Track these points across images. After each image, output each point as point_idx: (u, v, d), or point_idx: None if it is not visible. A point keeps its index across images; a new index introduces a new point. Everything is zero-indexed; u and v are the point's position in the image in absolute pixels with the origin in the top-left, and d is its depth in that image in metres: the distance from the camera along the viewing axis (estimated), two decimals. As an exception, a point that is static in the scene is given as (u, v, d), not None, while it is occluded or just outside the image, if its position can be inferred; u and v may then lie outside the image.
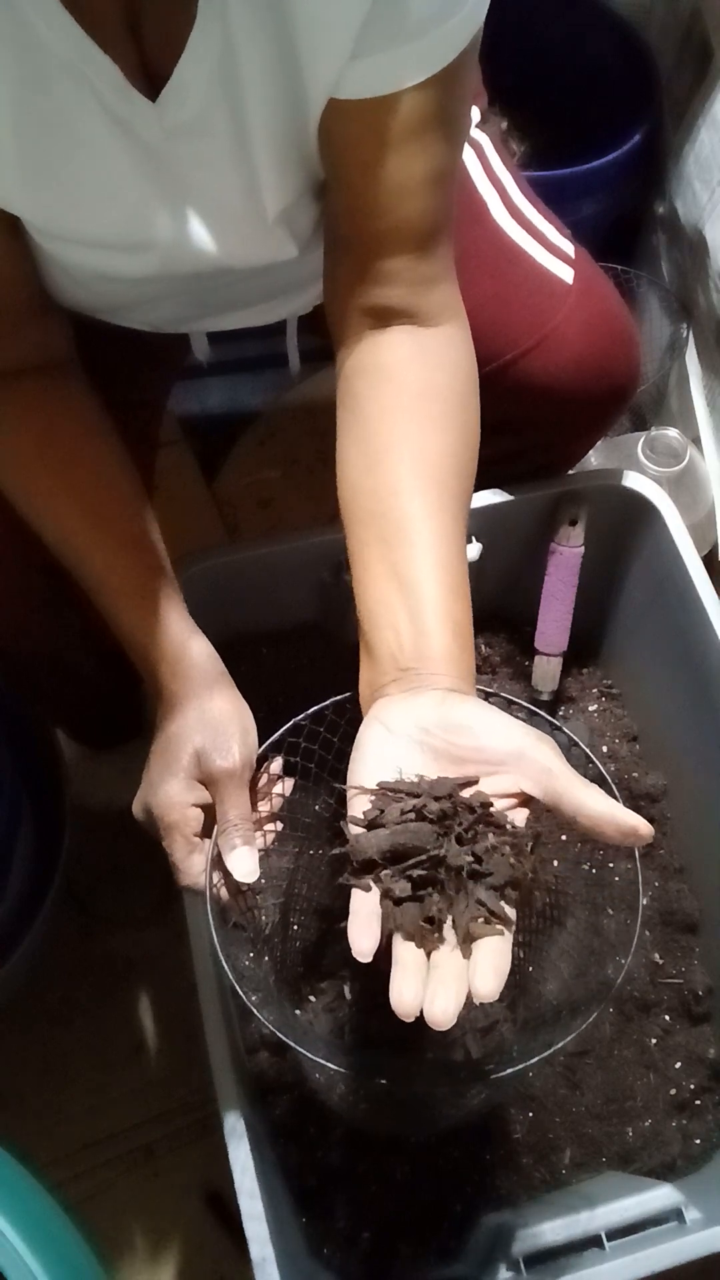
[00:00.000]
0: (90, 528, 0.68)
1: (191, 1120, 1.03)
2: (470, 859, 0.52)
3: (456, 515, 0.62)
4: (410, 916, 0.51)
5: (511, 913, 0.52)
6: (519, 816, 0.54)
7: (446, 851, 0.52)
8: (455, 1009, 0.47)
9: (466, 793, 0.54)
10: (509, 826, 0.53)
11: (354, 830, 0.54)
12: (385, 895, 0.52)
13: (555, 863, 0.84)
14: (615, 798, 0.54)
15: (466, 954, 0.50)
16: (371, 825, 0.54)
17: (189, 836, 0.62)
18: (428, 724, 0.55)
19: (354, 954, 0.50)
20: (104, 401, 0.72)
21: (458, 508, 0.63)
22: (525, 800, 0.54)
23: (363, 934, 0.50)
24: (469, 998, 0.48)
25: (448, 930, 0.51)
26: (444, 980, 0.48)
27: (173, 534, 0.73)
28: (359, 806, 0.55)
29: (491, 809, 0.53)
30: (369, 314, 0.65)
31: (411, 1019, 0.47)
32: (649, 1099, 0.89)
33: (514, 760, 0.54)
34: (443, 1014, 0.47)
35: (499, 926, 0.51)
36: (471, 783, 0.54)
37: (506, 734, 0.54)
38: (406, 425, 0.63)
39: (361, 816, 0.54)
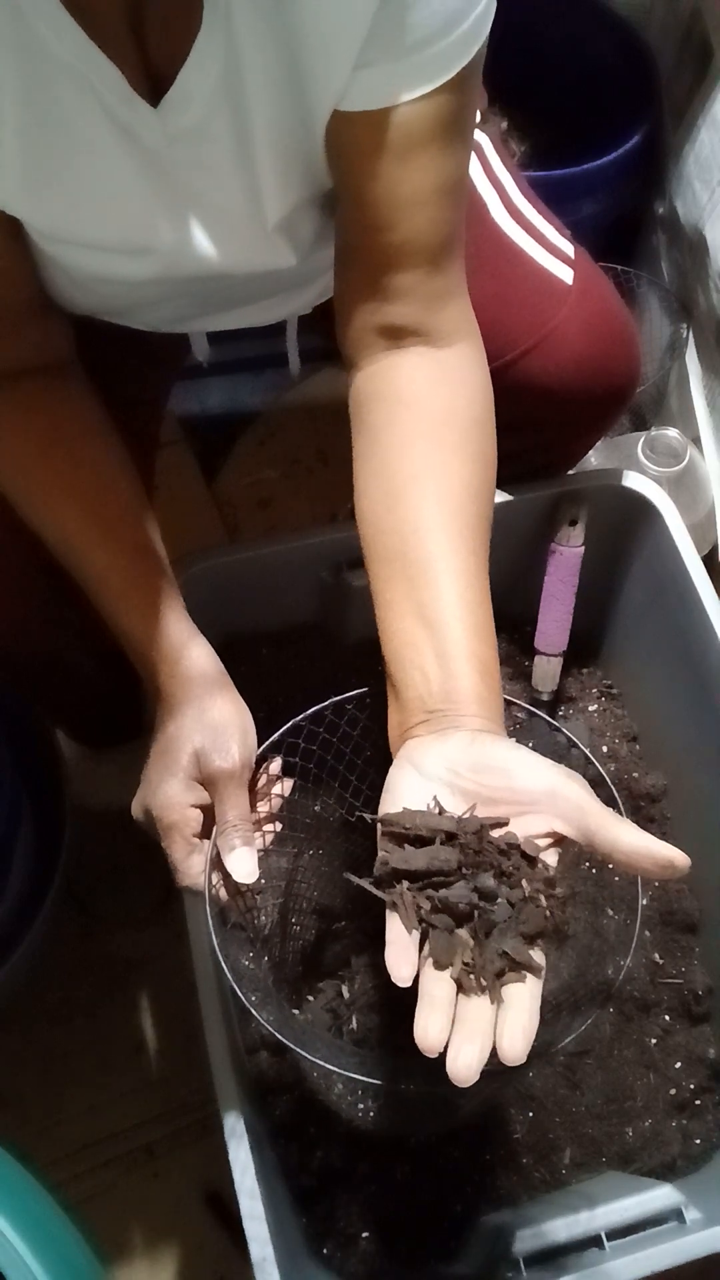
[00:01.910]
0: (90, 529, 0.68)
1: (191, 1120, 1.03)
2: (505, 891, 0.52)
3: (479, 549, 0.62)
4: (443, 947, 0.50)
5: (541, 959, 0.51)
6: (550, 857, 0.54)
7: (476, 883, 0.52)
8: (479, 1065, 0.46)
9: (496, 833, 0.53)
10: (541, 867, 0.53)
11: (385, 843, 0.54)
12: (412, 909, 0.52)
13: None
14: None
15: (494, 999, 0.49)
16: (403, 842, 0.54)
17: (188, 837, 0.62)
18: (458, 765, 0.55)
19: (394, 980, 0.49)
20: (104, 402, 0.72)
21: (479, 540, 0.63)
22: (558, 840, 0.54)
23: (401, 961, 0.50)
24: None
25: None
26: (470, 1036, 0.48)
27: (173, 534, 0.73)
28: (389, 842, 0.54)
29: (520, 849, 0.53)
30: (381, 333, 0.65)
31: (435, 1055, 0.47)
32: (649, 1099, 0.89)
33: (546, 800, 0.53)
34: (465, 1069, 0.46)
35: (529, 975, 0.50)
36: (501, 824, 0.54)
37: (537, 773, 0.54)
38: (426, 457, 0.63)
39: (392, 836, 0.54)
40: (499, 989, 0.49)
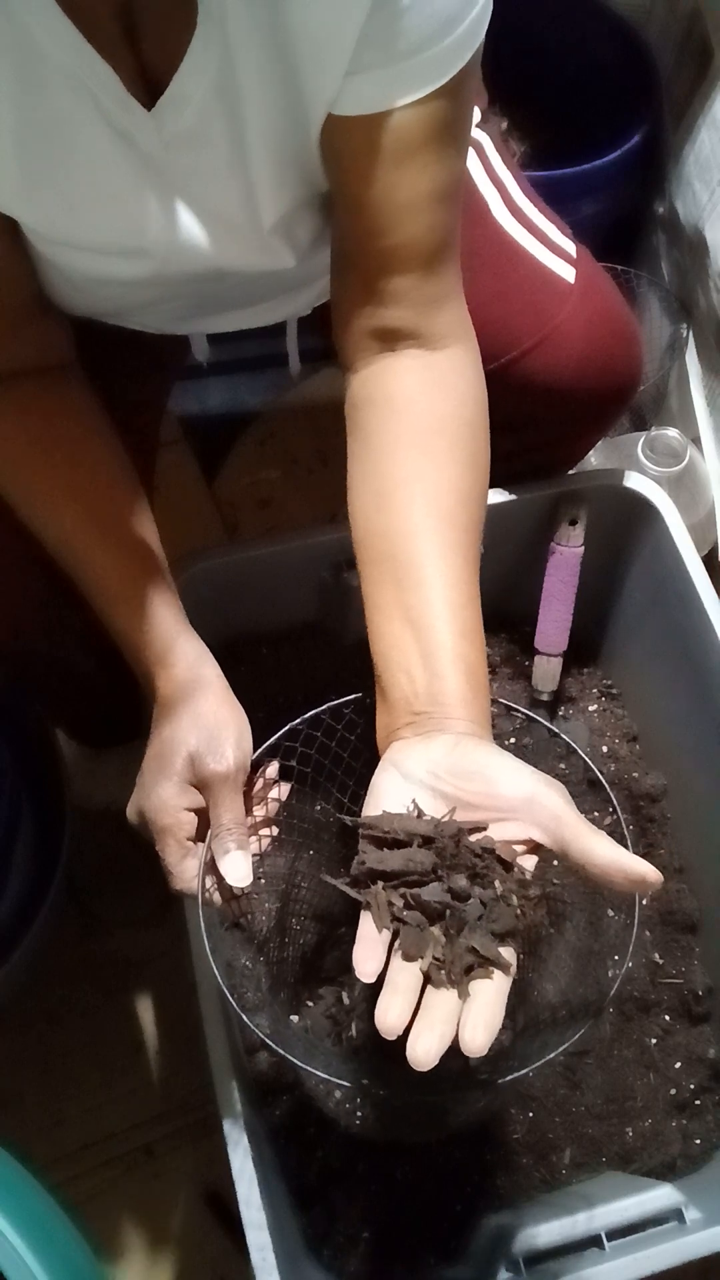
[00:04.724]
0: (88, 530, 0.68)
1: (191, 1120, 1.03)
2: (478, 891, 0.52)
3: (468, 553, 0.62)
4: (413, 941, 0.51)
5: (511, 956, 0.52)
6: (527, 863, 0.54)
7: (450, 884, 0.52)
8: (438, 1052, 0.47)
9: (474, 838, 0.54)
10: (516, 871, 0.54)
11: (363, 844, 0.55)
12: (384, 908, 0.52)
13: (555, 862, 0.84)
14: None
15: (462, 994, 0.50)
16: (381, 844, 0.54)
17: (182, 840, 0.62)
18: (440, 769, 0.55)
19: (358, 975, 0.50)
20: (104, 402, 0.72)
21: (469, 543, 0.63)
22: (534, 848, 0.54)
23: (366, 956, 0.51)
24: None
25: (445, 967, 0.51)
26: (432, 1023, 0.49)
27: (173, 534, 0.73)
28: (368, 844, 0.55)
29: (496, 854, 0.53)
30: (376, 336, 0.65)
31: (393, 1037, 0.48)
32: (649, 1099, 0.89)
33: (524, 807, 0.54)
34: (424, 1054, 0.47)
35: (497, 972, 0.51)
36: (479, 829, 0.54)
37: (517, 781, 0.54)
38: (417, 462, 0.63)
39: (371, 839, 0.55)
40: (466, 984, 0.50)
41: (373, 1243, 0.83)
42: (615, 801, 0.62)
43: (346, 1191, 0.84)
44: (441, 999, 0.50)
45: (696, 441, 1.20)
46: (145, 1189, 1.01)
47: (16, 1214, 0.59)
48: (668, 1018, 0.93)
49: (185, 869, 0.62)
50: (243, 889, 0.61)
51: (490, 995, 0.50)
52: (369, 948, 0.51)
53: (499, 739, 0.58)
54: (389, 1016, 0.48)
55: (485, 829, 0.54)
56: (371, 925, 0.52)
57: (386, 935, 0.52)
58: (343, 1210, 0.84)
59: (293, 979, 0.87)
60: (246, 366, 1.21)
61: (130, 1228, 1.00)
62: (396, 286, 0.63)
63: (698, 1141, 0.88)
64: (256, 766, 0.65)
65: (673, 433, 1.14)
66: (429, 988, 0.50)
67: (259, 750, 0.65)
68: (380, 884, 0.53)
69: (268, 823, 0.66)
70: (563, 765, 0.93)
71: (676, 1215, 0.81)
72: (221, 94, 0.56)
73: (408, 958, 0.51)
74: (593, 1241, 0.79)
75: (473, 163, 0.86)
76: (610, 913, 0.92)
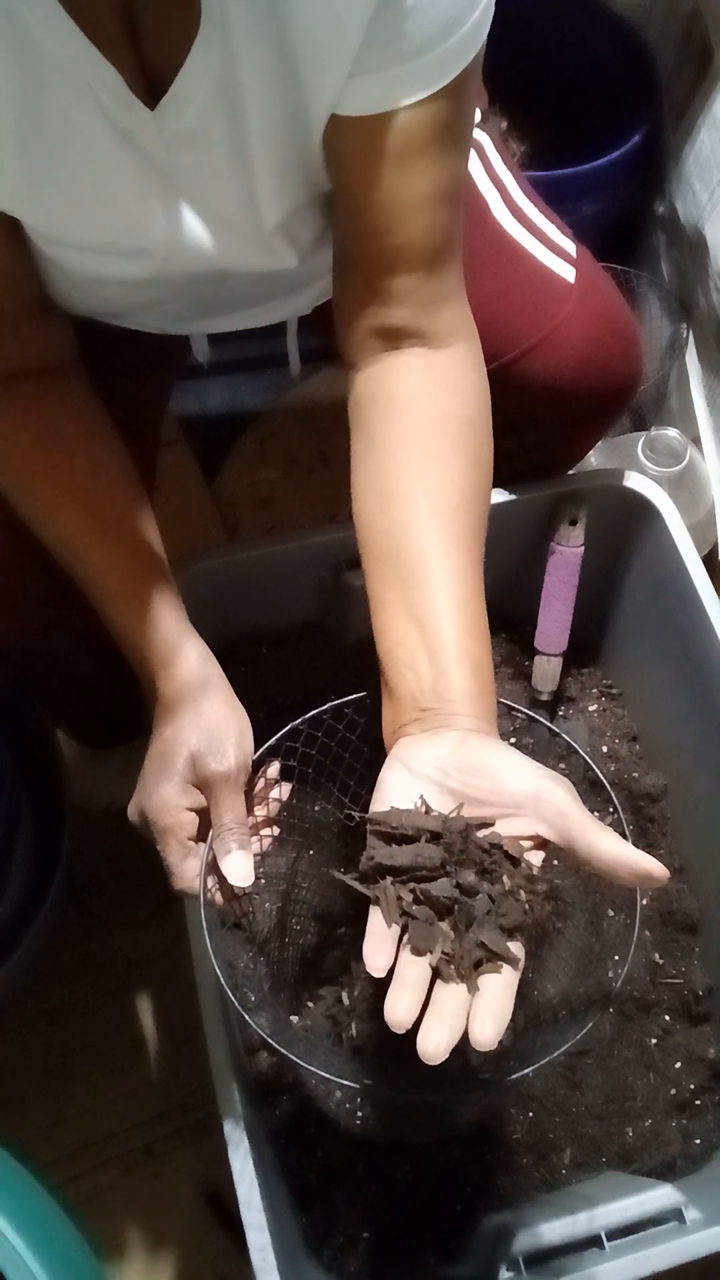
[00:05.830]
0: (89, 530, 0.68)
1: (191, 1120, 1.03)
2: (486, 886, 0.53)
3: (472, 549, 0.63)
4: (422, 935, 0.51)
5: (520, 951, 0.52)
6: (534, 859, 0.55)
7: (458, 879, 0.53)
8: (448, 1045, 0.48)
9: (481, 834, 0.54)
10: (524, 866, 0.54)
11: (372, 840, 0.55)
12: (394, 903, 0.52)
13: (555, 861, 0.84)
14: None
15: (471, 989, 0.50)
16: (390, 840, 0.54)
17: (183, 841, 0.62)
18: (447, 765, 0.55)
19: (369, 970, 0.50)
20: (105, 403, 0.72)
21: (473, 540, 0.63)
22: (541, 843, 0.55)
23: (377, 951, 0.51)
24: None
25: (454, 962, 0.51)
26: (441, 1017, 0.49)
27: (173, 534, 0.73)
28: (376, 839, 0.55)
29: (504, 849, 0.54)
30: (378, 335, 0.65)
31: (402, 1031, 0.48)
32: (649, 1099, 0.89)
33: (530, 803, 0.54)
34: (434, 1048, 0.47)
35: (505, 965, 0.51)
36: (487, 824, 0.54)
37: (523, 777, 0.54)
38: (420, 460, 0.63)
39: (379, 834, 0.55)
40: (475, 979, 0.50)
41: (373, 1243, 0.83)
42: (616, 801, 0.62)
43: (346, 1191, 0.84)
44: (451, 993, 0.50)
45: (696, 441, 1.20)
46: (145, 1189, 1.01)
47: (16, 1214, 0.59)
48: (668, 1018, 0.93)
49: (187, 869, 0.62)
50: (244, 889, 0.61)
51: (499, 989, 0.50)
52: (379, 943, 0.51)
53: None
54: (398, 1011, 0.48)
55: (492, 825, 0.55)
56: (380, 920, 0.52)
57: (395, 930, 0.52)
58: (343, 1210, 0.84)
59: (293, 979, 0.87)
60: (247, 366, 1.21)
61: (130, 1228, 1.00)
62: (398, 286, 0.63)
63: (698, 1141, 0.89)
64: (258, 766, 0.65)
65: (673, 433, 1.14)
66: (438, 982, 0.50)
67: (260, 750, 0.65)
68: (389, 879, 0.53)
69: (269, 823, 0.66)
70: (563, 765, 0.93)
71: (676, 1215, 0.81)
72: (223, 94, 0.56)
73: (417, 952, 0.51)
74: (593, 1241, 0.79)
75: (473, 163, 0.86)
76: (610, 913, 0.92)
